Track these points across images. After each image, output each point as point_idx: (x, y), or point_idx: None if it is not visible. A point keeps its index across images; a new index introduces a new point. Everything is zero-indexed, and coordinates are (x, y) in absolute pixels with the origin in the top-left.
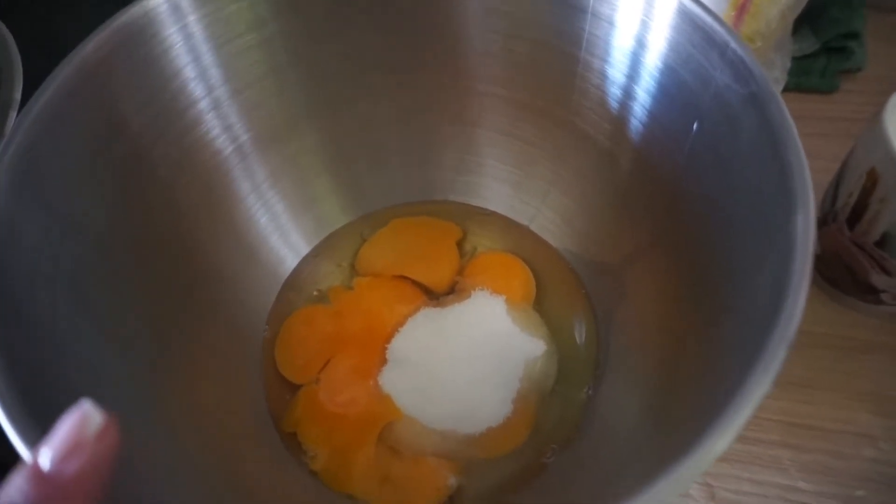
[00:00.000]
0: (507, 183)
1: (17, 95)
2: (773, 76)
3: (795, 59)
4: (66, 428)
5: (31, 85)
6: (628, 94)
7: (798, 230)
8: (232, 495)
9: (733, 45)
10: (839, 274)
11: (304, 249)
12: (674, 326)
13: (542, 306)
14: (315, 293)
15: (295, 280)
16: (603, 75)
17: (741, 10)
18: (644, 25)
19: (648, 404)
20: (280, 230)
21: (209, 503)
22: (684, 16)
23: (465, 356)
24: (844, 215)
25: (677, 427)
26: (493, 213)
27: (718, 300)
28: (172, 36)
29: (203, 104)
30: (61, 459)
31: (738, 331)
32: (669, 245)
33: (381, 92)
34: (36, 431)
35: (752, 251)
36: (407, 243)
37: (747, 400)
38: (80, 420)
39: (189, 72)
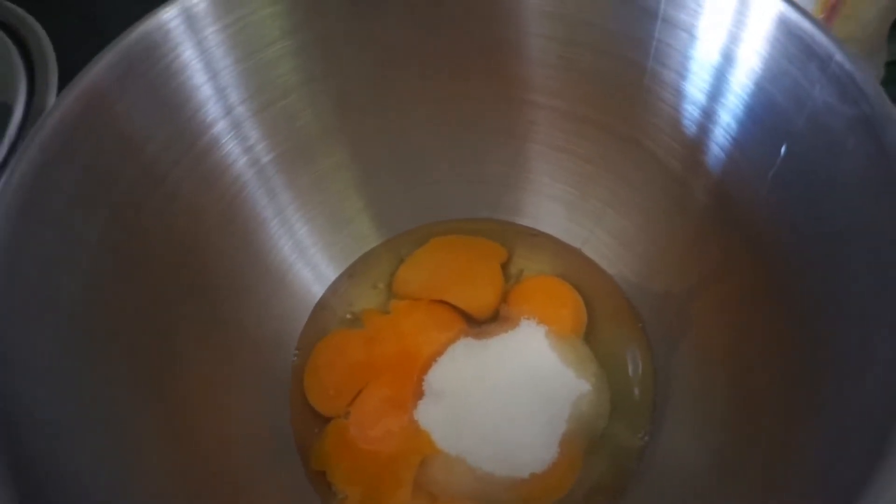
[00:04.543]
0: (559, 202)
1: (52, 99)
2: None
3: (887, 65)
4: None
5: None
6: (707, 115)
7: None
8: None
9: (838, 57)
10: None
11: (333, 274)
12: (752, 373)
13: (593, 339)
14: (348, 316)
15: (328, 301)
16: (676, 91)
17: (832, 11)
18: (732, 37)
19: (715, 459)
20: (305, 256)
21: None
22: (783, 25)
23: (508, 392)
24: None
25: (751, 493)
26: (542, 234)
27: (817, 351)
28: (187, 52)
29: (221, 125)
30: None
31: (842, 391)
32: (747, 277)
33: (418, 101)
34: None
35: (861, 303)
36: (447, 265)
37: None
38: None
39: (206, 91)
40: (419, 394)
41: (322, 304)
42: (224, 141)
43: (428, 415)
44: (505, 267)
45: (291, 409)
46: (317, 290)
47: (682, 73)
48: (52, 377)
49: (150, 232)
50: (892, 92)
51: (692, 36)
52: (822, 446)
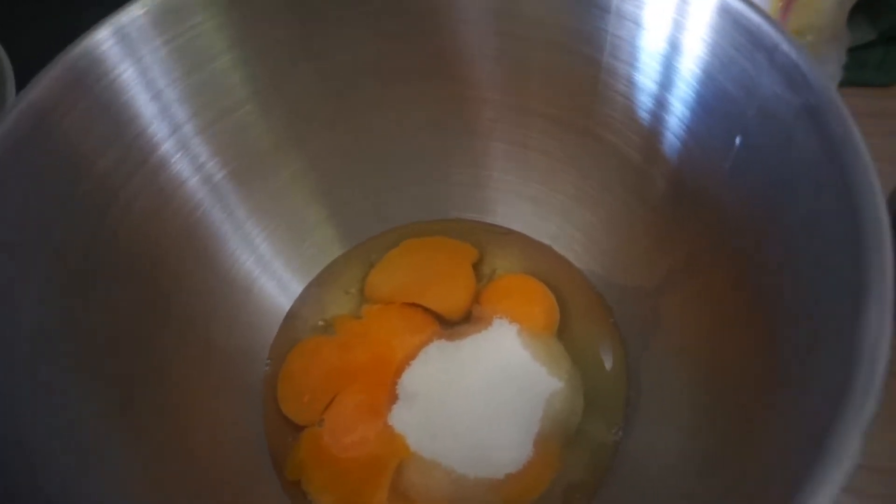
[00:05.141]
0: (527, 199)
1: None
2: (828, 72)
3: (849, 51)
4: None
5: None
6: (660, 104)
7: (871, 266)
8: None
9: (784, 46)
10: None
11: (300, 284)
12: (719, 365)
13: (566, 335)
14: (320, 323)
15: (299, 310)
16: (630, 82)
17: (790, 1)
18: (677, 25)
19: (688, 451)
20: (268, 269)
21: None
22: (725, 14)
23: (482, 392)
24: None
25: (727, 485)
26: (513, 232)
27: (776, 341)
28: (128, 71)
29: (169, 144)
30: None
31: (802, 378)
32: (713, 269)
33: (375, 107)
34: None
35: (815, 286)
36: (418, 267)
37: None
38: None
39: (150, 109)
40: (393, 398)
41: (293, 313)
42: (174, 160)
43: (402, 419)
44: (477, 267)
45: (265, 419)
46: (285, 300)
47: (633, 64)
48: (17, 402)
49: (108, 250)
50: (856, 77)
51: (639, 26)
52: (786, 435)
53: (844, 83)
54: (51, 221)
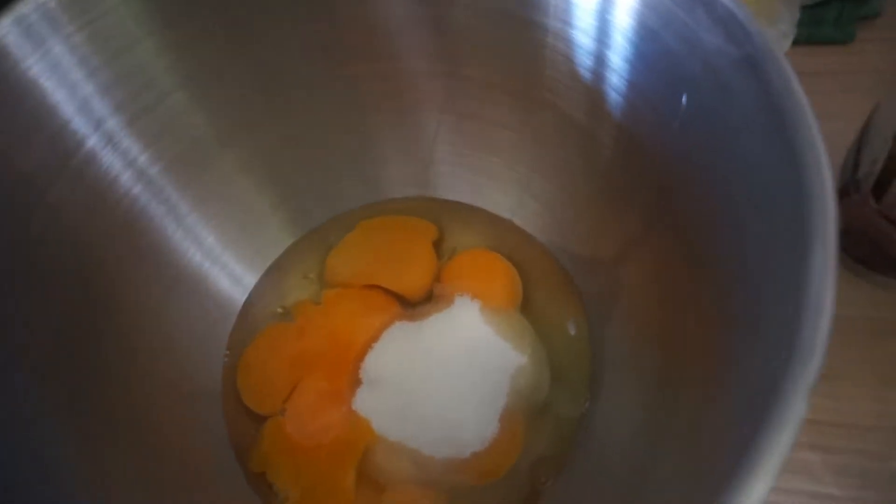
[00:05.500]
0: (484, 173)
1: None
2: (780, 30)
3: (805, 8)
4: None
5: None
6: (600, 61)
7: (813, 217)
8: None
9: None
10: (865, 250)
11: (254, 274)
12: (676, 332)
13: (529, 310)
14: (279, 310)
15: (257, 298)
16: (570, 42)
17: None
18: None
19: (649, 421)
20: (218, 262)
21: None
22: None
23: (445, 371)
24: (869, 185)
25: (685, 451)
26: (472, 207)
27: (726, 302)
28: (34, 67)
29: (94, 140)
30: None
31: (750, 339)
32: (666, 235)
33: (317, 89)
34: None
35: (762, 244)
36: (377, 247)
37: (775, 447)
38: None
39: (67, 107)
40: (356, 382)
41: (250, 302)
42: (102, 155)
43: (366, 403)
44: (437, 245)
45: (225, 412)
46: (240, 291)
47: (571, 23)
48: None
49: (43, 249)
50: (813, 34)
51: None
52: (737, 398)
53: (801, 40)
54: None
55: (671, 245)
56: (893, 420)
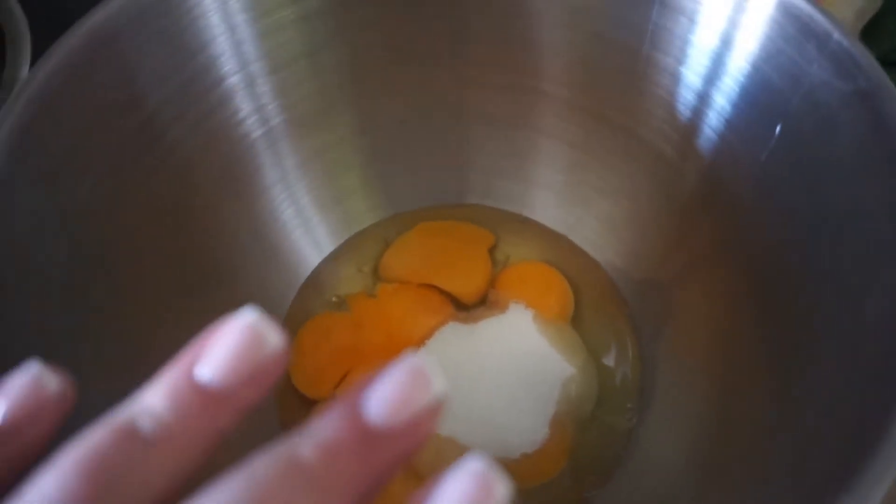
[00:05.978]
0: (548, 188)
1: (25, 73)
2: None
3: None
4: (17, 391)
5: None
6: (703, 99)
7: None
8: None
9: (836, 35)
10: None
11: (328, 247)
12: (734, 361)
13: (579, 323)
14: (334, 299)
15: (313, 283)
16: (673, 76)
17: None
18: (733, 22)
19: (700, 441)
20: (305, 225)
21: None
22: (783, 8)
23: (497, 374)
24: None
25: (732, 481)
26: (529, 220)
27: (798, 342)
28: (204, 3)
29: (234, 80)
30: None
31: (828, 390)
32: (734, 264)
33: (416, 85)
34: None
35: (849, 286)
36: (434, 249)
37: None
38: (34, 384)
39: (221, 44)
40: None
41: (308, 287)
42: (238, 95)
43: None
44: (491, 252)
45: (276, 392)
46: (304, 269)
47: (679, 58)
48: (38, 342)
49: (144, 192)
50: None
51: (692, 21)
52: (798, 438)
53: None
54: (98, 149)
55: (735, 277)
56: None
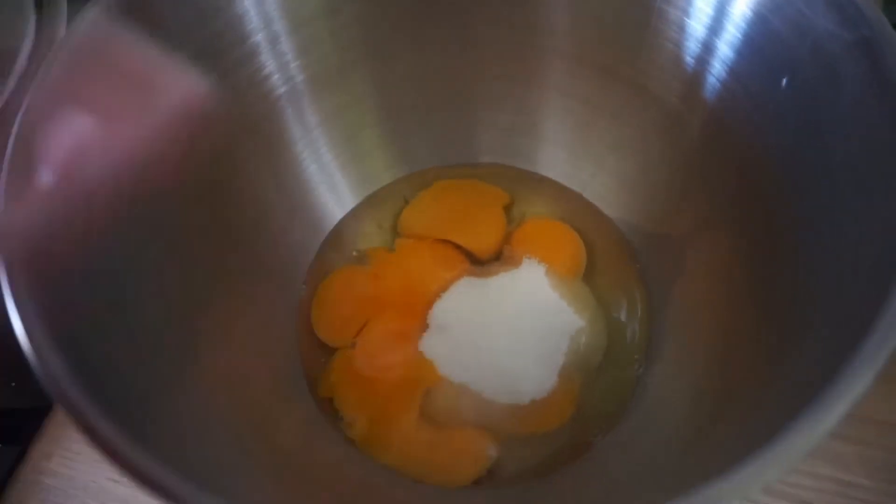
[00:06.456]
0: (562, 146)
1: (63, 31)
2: None
3: None
4: None
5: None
6: (708, 48)
7: None
8: (265, 457)
9: None
10: None
11: (350, 203)
12: (739, 311)
13: (592, 279)
14: (354, 253)
15: (335, 239)
16: (680, 28)
17: None
18: None
19: (702, 391)
20: (328, 180)
21: (240, 463)
22: None
23: (509, 326)
24: None
25: (735, 425)
26: (545, 179)
27: (797, 288)
28: None
29: (260, 37)
30: None
31: (820, 328)
32: (741, 219)
33: (432, 43)
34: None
35: (845, 230)
36: (451, 206)
37: (817, 424)
38: None
39: (245, 2)
40: (423, 327)
41: (329, 243)
42: (262, 51)
43: (432, 346)
44: (507, 210)
45: (299, 340)
46: (326, 224)
47: (686, 10)
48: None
49: (175, 143)
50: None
51: None
52: (795, 382)
53: None
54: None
55: (744, 230)
56: None
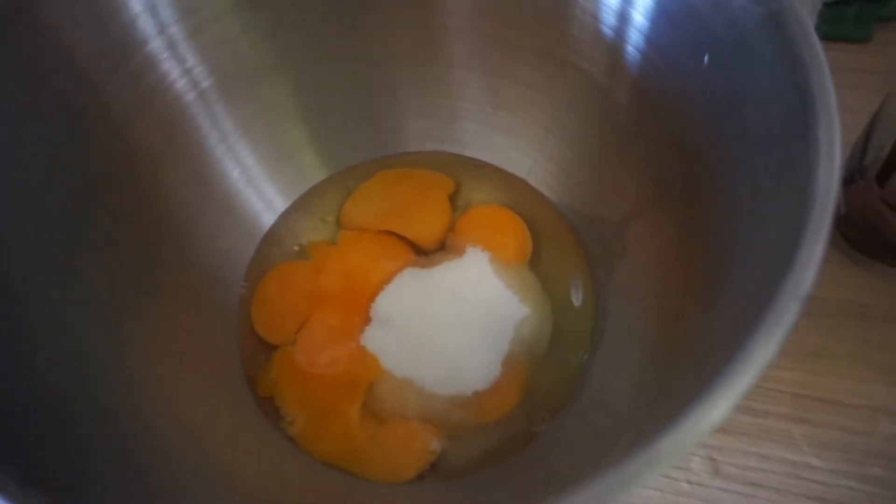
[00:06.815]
0: (502, 131)
1: None
2: None
3: (827, 6)
4: None
5: None
6: (624, 18)
7: (818, 171)
8: (202, 466)
9: None
10: (865, 236)
11: (282, 204)
12: (676, 286)
13: (537, 265)
14: (296, 248)
15: (275, 234)
16: (598, 1)
17: None
18: None
19: (647, 370)
20: (253, 184)
21: (176, 477)
22: None
23: (453, 317)
24: (874, 171)
25: (675, 394)
26: (488, 165)
27: (725, 257)
28: None
29: (157, 43)
30: None
31: (745, 290)
32: (675, 196)
33: (355, 35)
34: None
35: (764, 198)
36: (394, 196)
37: (748, 364)
38: None
39: (136, 6)
40: (366, 320)
41: (269, 237)
42: (161, 59)
43: (375, 340)
44: (452, 198)
45: (239, 339)
46: (264, 221)
47: None
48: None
49: (85, 148)
50: (832, 32)
51: None
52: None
53: (820, 37)
54: (28, 111)
55: (679, 203)
56: (875, 400)
